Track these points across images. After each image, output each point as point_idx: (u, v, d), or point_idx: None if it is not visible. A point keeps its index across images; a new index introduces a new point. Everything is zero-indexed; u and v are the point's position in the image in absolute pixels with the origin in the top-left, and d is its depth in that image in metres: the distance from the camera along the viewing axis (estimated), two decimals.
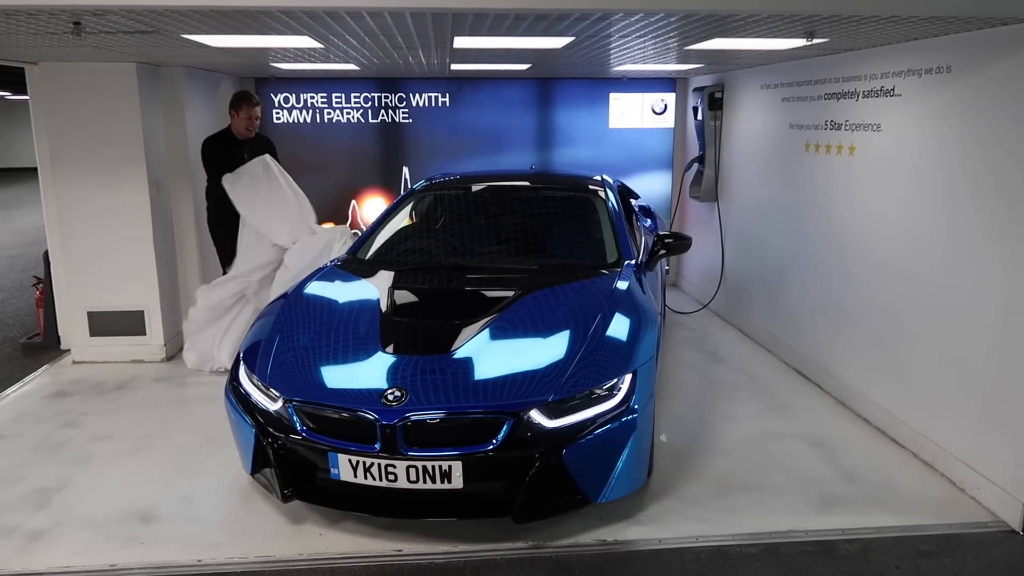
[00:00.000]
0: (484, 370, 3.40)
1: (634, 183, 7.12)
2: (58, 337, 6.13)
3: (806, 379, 5.38)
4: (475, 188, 5.36)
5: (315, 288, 4.26)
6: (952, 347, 3.86)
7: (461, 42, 4.23)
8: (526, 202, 5.25)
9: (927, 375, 4.07)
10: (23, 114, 21.92)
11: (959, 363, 3.82)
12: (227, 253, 5.93)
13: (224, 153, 5.66)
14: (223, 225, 5.86)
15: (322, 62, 5.56)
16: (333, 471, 3.25)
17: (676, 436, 4.42)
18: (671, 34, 3.92)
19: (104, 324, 5.72)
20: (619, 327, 3.70)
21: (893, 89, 4.31)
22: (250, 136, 5.74)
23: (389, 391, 3.26)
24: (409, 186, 7.59)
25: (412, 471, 3.16)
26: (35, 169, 6.01)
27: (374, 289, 4.20)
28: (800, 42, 3.96)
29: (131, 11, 3.00)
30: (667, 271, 7.40)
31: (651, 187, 7.84)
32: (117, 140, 5.47)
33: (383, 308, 3.93)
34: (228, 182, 5.50)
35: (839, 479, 3.94)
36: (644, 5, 2.97)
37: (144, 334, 5.76)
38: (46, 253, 6.03)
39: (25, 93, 6.03)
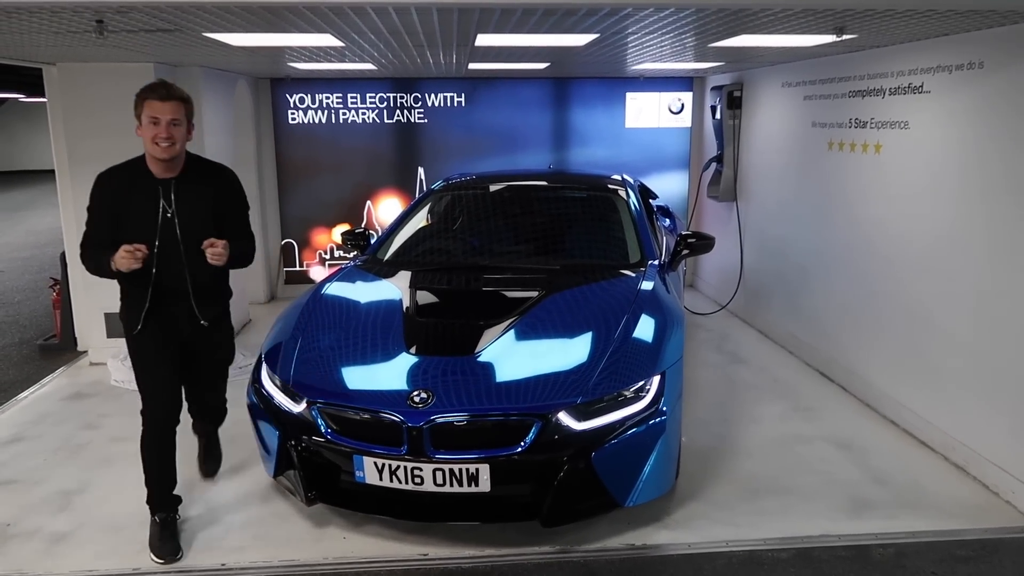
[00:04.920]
0: (511, 372, 3.35)
1: (651, 183, 7.05)
2: (75, 339, 6.12)
3: (830, 380, 5.31)
4: (495, 188, 5.32)
5: (336, 288, 4.22)
6: (984, 347, 3.79)
7: (484, 39, 4.18)
8: (546, 202, 5.20)
9: (957, 376, 3.99)
10: (37, 116, 22.03)
11: (991, 364, 3.74)
12: None
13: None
14: None
15: (339, 62, 5.52)
16: (358, 474, 3.21)
17: (701, 438, 4.36)
18: (698, 30, 3.86)
19: (121, 326, 5.69)
20: (646, 328, 3.64)
21: (922, 86, 4.24)
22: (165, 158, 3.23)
23: (415, 393, 3.22)
24: (425, 187, 7.56)
25: (439, 474, 3.11)
26: (49, 171, 6.00)
27: (395, 289, 4.15)
28: (829, 38, 3.90)
29: (155, 8, 2.97)
30: (684, 271, 7.34)
31: (668, 187, 7.78)
32: (134, 141, 5.39)
33: (405, 309, 3.89)
34: None
35: (869, 482, 3.87)
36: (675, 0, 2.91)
37: None
38: (63, 254, 6.02)
39: (40, 95, 6.03)
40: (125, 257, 3.05)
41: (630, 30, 3.85)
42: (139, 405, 3.32)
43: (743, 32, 3.90)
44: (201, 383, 3.62)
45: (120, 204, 3.24)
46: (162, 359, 3.34)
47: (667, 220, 5.99)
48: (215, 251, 3.19)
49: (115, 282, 3.32)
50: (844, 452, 4.20)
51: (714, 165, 7.15)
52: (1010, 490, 3.64)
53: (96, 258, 3.23)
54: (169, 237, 3.22)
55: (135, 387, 3.35)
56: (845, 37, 3.90)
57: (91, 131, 5.44)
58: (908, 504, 3.66)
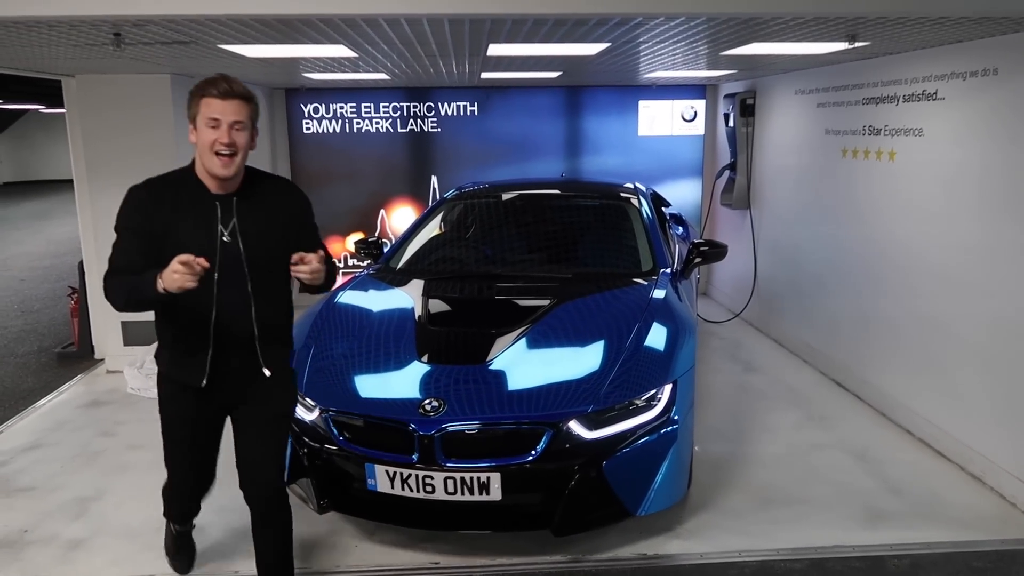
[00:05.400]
0: (522, 380, 3.36)
1: (664, 191, 7.04)
2: (92, 347, 6.18)
3: (844, 389, 5.27)
4: (507, 197, 5.33)
5: (349, 297, 4.25)
6: (1001, 356, 3.75)
7: (496, 49, 4.20)
8: (558, 210, 5.21)
9: (974, 386, 3.95)
10: (55, 127, 22.33)
11: (1008, 373, 3.70)
12: None
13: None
14: None
15: (352, 72, 5.57)
16: (370, 482, 3.22)
17: (714, 447, 4.34)
18: (709, 38, 3.87)
19: (138, 334, 5.75)
20: (657, 337, 3.64)
21: (936, 93, 4.22)
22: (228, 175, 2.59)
23: (427, 401, 3.23)
24: (438, 195, 7.59)
25: (450, 482, 3.11)
26: (67, 181, 6.07)
27: (408, 298, 4.17)
28: (842, 45, 3.88)
29: (171, 21, 3.02)
30: (698, 279, 7.32)
31: (681, 195, 7.77)
32: (152, 151, 5.49)
33: (418, 317, 3.90)
34: None
35: (884, 492, 3.83)
36: (686, 8, 2.92)
37: None
38: (81, 263, 6.09)
39: (59, 106, 6.12)
40: (180, 272, 2.30)
41: (641, 39, 3.86)
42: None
43: (754, 40, 3.90)
44: (249, 446, 2.80)
45: (163, 225, 2.57)
46: (197, 434, 2.82)
47: (680, 228, 5.99)
48: (311, 268, 2.49)
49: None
50: (859, 462, 4.17)
51: (727, 173, 7.14)
52: None
53: (128, 284, 2.53)
54: (232, 266, 2.57)
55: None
56: (857, 45, 3.89)
57: (109, 141, 5.51)
58: (924, 515, 3.63)
